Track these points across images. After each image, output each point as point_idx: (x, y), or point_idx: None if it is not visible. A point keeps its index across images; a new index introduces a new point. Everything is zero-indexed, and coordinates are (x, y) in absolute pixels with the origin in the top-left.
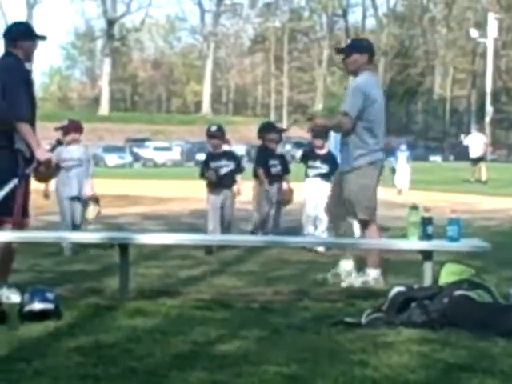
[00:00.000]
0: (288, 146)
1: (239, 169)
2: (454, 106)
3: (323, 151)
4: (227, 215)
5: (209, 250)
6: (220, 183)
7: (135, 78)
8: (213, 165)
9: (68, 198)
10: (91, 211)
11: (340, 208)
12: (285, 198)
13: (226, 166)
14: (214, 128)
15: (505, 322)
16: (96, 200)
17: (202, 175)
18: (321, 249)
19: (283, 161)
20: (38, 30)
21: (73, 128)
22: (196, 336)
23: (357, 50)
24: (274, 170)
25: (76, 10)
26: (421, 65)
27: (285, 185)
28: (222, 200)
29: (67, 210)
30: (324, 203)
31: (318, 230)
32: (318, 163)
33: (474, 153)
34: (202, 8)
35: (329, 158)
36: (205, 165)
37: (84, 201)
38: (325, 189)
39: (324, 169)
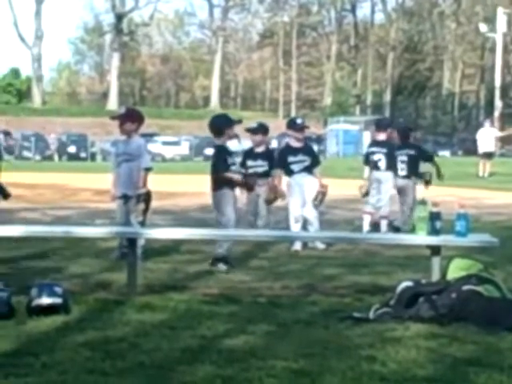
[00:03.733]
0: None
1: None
2: (462, 101)
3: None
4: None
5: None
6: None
7: (144, 73)
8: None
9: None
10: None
11: None
12: (270, 196)
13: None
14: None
15: None
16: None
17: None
18: (321, 245)
19: (268, 156)
20: (47, 26)
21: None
22: (204, 330)
23: None
24: (258, 171)
25: (85, 4)
26: (429, 60)
27: (270, 181)
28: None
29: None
30: (311, 200)
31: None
32: (300, 156)
33: (483, 147)
34: (211, 3)
35: (309, 150)
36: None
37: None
38: (311, 183)
39: (308, 161)
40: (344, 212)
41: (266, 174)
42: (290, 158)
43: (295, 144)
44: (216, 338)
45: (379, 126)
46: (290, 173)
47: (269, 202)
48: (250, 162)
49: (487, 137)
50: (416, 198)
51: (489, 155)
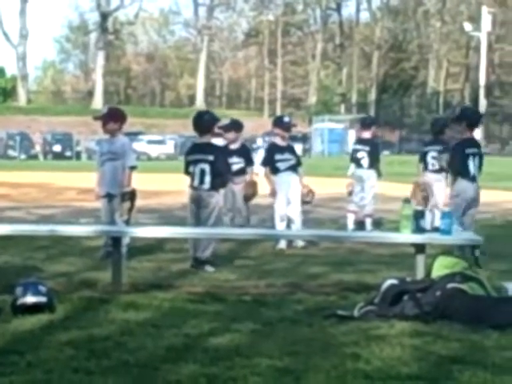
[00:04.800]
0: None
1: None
2: (447, 100)
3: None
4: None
5: None
6: None
7: (129, 72)
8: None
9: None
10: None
11: None
12: (247, 192)
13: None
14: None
15: (497, 314)
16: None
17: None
18: (300, 243)
19: (243, 152)
20: (32, 24)
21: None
22: (188, 329)
23: None
24: (234, 168)
25: (70, 3)
26: (414, 58)
27: (248, 177)
28: None
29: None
30: (296, 199)
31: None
32: (286, 155)
33: None
34: (196, 1)
35: (293, 150)
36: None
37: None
38: (296, 182)
39: (293, 160)
40: (329, 210)
41: (241, 171)
42: (277, 156)
43: (282, 142)
44: (201, 337)
45: (364, 124)
46: (276, 171)
47: (247, 198)
48: None
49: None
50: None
51: None
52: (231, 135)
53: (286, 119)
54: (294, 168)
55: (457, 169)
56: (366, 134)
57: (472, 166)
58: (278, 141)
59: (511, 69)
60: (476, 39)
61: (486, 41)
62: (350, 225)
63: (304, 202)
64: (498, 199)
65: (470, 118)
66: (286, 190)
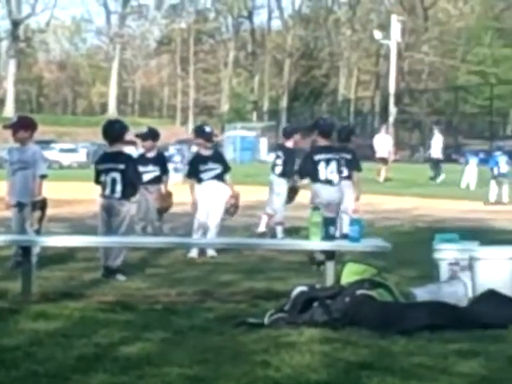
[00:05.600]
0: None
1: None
2: (358, 107)
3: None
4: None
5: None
6: None
7: (40, 80)
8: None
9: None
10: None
11: None
12: (162, 205)
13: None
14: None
15: (405, 320)
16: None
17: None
18: (212, 252)
19: (159, 161)
20: None
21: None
22: (99, 338)
23: None
24: (150, 176)
25: None
26: (325, 66)
27: (162, 188)
28: None
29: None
30: (217, 209)
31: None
32: (210, 165)
33: (380, 153)
34: (108, 9)
35: (219, 158)
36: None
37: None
38: (220, 191)
39: (219, 169)
40: (241, 218)
41: (157, 180)
42: (201, 167)
43: (205, 152)
44: (111, 346)
45: (285, 133)
46: (199, 181)
47: (161, 211)
48: (141, 168)
49: (383, 143)
50: None
51: (384, 161)
52: (148, 144)
53: (208, 129)
54: (219, 177)
55: (306, 174)
56: (289, 143)
57: (324, 170)
58: (202, 151)
59: (420, 76)
60: (386, 47)
61: (396, 49)
62: (262, 227)
63: (227, 213)
64: (407, 206)
65: (322, 127)
66: (208, 200)
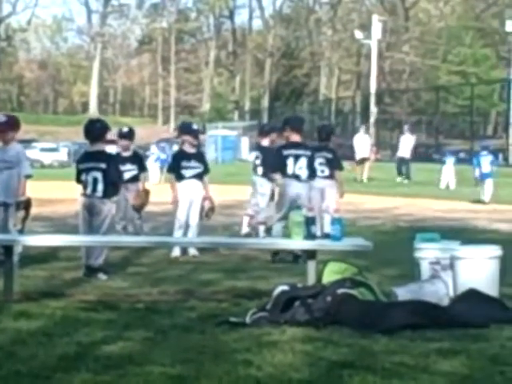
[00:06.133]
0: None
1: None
2: (339, 107)
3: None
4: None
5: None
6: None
7: (21, 79)
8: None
9: None
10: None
11: None
12: (137, 202)
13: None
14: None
15: (386, 319)
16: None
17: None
18: (194, 251)
19: (136, 159)
20: None
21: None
22: (81, 337)
23: None
24: (127, 175)
25: None
26: (307, 66)
27: (140, 185)
28: None
29: None
30: (198, 208)
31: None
32: (193, 163)
33: (360, 153)
34: (89, 8)
35: (202, 158)
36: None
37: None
38: (200, 190)
39: (200, 168)
40: (222, 218)
41: (135, 178)
42: (183, 163)
43: (190, 150)
44: (93, 345)
45: (261, 131)
46: (180, 178)
47: (137, 209)
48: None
49: (362, 143)
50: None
51: (363, 161)
52: (126, 143)
53: (195, 126)
54: (200, 176)
55: (275, 168)
56: (265, 142)
57: (293, 165)
58: (187, 148)
59: (401, 76)
60: (367, 47)
61: (377, 49)
62: (244, 228)
63: (206, 216)
64: (388, 205)
65: (292, 122)
66: (189, 198)
